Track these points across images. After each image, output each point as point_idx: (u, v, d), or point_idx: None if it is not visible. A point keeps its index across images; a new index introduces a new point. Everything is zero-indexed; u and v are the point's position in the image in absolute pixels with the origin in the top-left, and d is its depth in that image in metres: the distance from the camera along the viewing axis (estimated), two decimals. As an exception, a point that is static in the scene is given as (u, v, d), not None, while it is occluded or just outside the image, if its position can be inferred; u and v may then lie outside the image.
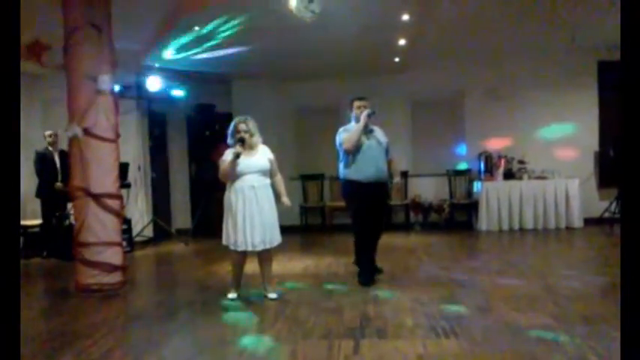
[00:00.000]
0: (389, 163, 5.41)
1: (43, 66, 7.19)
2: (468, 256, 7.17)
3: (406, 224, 9.87)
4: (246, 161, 4.61)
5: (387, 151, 5.38)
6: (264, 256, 4.80)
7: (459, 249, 7.64)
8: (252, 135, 4.70)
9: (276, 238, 4.74)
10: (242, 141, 4.59)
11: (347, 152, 5.20)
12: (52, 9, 5.30)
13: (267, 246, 4.68)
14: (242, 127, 4.68)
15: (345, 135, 5.22)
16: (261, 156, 4.73)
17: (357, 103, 5.32)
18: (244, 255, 4.76)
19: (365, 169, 5.15)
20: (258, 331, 3.81)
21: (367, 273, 5.23)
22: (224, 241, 4.74)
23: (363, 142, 5.18)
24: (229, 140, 4.75)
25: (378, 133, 5.39)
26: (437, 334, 3.59)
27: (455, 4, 6.43)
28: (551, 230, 8.85)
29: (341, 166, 5.34)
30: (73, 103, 5.26)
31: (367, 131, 5.26)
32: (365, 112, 5.17)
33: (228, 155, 4.64)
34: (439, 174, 9.88)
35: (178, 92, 9.06)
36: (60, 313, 4.64)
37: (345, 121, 5.60)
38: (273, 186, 4.82)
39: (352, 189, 5.24)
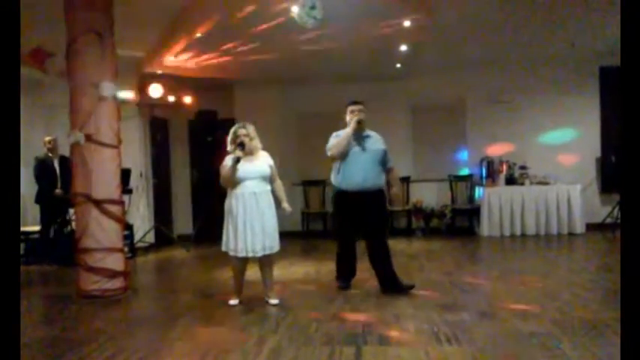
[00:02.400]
0: (388, 171, 5.23)
1: (46, 72, 7.22)
2: (470, 261, 7.16)
3: (408, 230, 9.86)
4: (247, 167, 4.62)
5: (383, 160, 5.15)
6: (265, 262, 4.79)
7: (461, 255, 7.63)
8: (251, 139, 4.71)
9: (275, 244, 4.74)
10: (242, 145, 4.60)
11: (333, 159, 5.12)
12: (55, 16, 5.33)
13: (268, 252, 4.68)
14: (242, 131, 4.70)
15: (334, 141, 5.12)
16: (261, 161, 4.74)
17: (351, 108, 5.16)
18: (245, 261, 4.76)
19: (350, 178, 5.02)
20: (259, 338, 3.80)
21: (344, 276, 5.31)
22: (223, 247, 4.74)
23: (353, 150, 5.04)
24: (229, 147, 4.76)
25: (374, 140, 5.17)
26: (439, 340, 3.58)
27: (456, 10, 6.44)
28: (553, 236, 8.83)
29: (332, 173, 5.22)
30: (76, 110, 5.28)
31: (361, 137, 5.10)
32: (354, 120, 5.03)
33: (228, 161, 4.64)
34: (441, 179, 9.88)
35: (180, 98, 9.07)
36: (61, 319, 4.64)
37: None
38: (274, 192, 4.83)
39: (338, 198, 5.17)
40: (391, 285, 5.04)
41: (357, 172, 5.00)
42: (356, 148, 5.06)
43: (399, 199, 5.52)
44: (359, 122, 5.03)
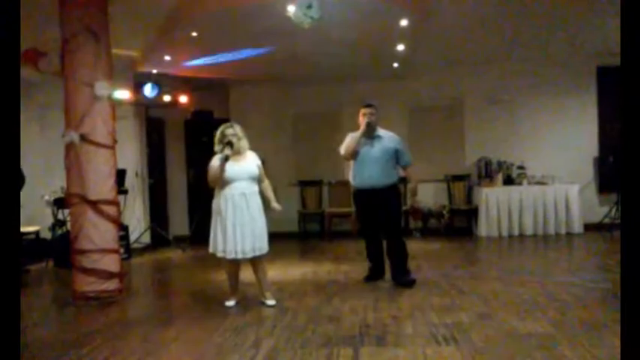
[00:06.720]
0: (403, 169, 5.58)
1: (40, 72, 7.16)
2: (468, 262, 7.14)
3: (405, 230, 9.81)
4: (236, 167, 4.59)
5: (396, 157, 5.43)
6: (256, 263, 4.76)
7: (459, 255, 7.60)
8: (239, 139, 4.68)
9: (265, 245, 4.70)
10: (230, 144, 4.56)
11: (345, 159, 5.46)
12: (49, 15, 5.29)
13: (257, 253, 4.65)
14: (229, 131, 4.67)
15: (346, 141, 5.40)
16: (249, 162, 4.71)
17: (362, 111, 5.39)
18: (237, 263, 4.73)
19: (360, 176, 5.36)
20: (256, 339, 3.77)
21: (370, 270, 5.63)
22: (211, 249, 4.71)
23: (363, 149, 5.33)
24: (216, 147, 4.71)
25: (387, 139, 5.44)
26: (437, 341, 3.56)
27: (454, 10, 6.42)
28: (551, 236, 8.81)
29: (350, 173, 5.55)
30: (71, 109, 5.24)
31: (372, 138, 5.36)
32: (364, 122, 5.28)
33: (216, 161, 4.61)
34: (438, 180, 9.85)
35: (176, 98, 9.03)
36: (57, 320, 4.61)
37: (345, 126, 5.64)
38: (262, 192, 4.79)
39: (355, 196, 5.56)
40: (399, 279, 5.37)
41: (366, 171, 5.32)
42: (366, 148, 5.34)
43: (413, 195, 6.47)
44: (368, 125, 5.28)
